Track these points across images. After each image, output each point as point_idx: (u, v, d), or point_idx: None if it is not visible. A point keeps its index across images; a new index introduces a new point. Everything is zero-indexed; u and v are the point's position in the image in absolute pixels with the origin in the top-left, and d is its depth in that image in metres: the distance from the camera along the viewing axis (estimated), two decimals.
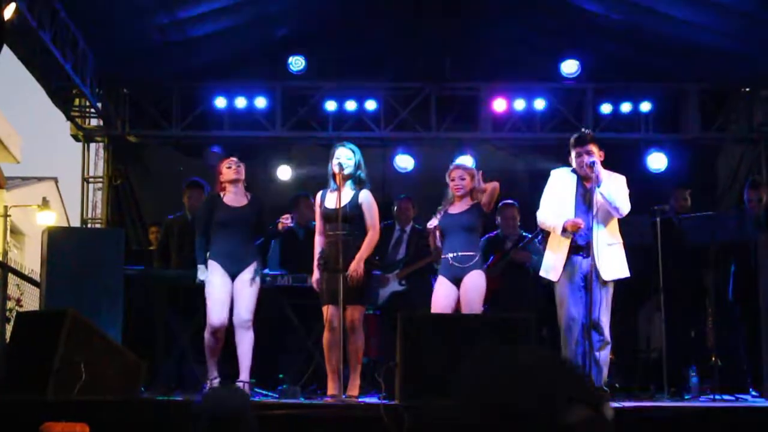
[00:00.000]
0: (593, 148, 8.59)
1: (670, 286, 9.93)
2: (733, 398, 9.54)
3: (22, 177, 29.27)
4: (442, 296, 9.01)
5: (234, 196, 9.38)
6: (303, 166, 13.40)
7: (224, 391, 6.38)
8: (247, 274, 9.20)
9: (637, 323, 11.32)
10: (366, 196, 8.88)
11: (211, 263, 9.20)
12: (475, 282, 8.95)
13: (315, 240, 9.01)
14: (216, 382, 9.02)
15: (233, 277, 9.17)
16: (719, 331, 10.47)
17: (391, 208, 11.47)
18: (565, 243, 8.58)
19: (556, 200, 8.71)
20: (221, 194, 9.39)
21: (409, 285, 11.15)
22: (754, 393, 9.95)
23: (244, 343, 9.13)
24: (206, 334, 9.12)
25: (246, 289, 9.18)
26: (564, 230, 8.54)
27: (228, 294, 9.13)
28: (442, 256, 9.11)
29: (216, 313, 9.09)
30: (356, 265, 8.64)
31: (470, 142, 13.60)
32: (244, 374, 9.09)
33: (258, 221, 9.38)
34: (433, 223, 9.21)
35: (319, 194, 9.01)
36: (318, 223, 9.00)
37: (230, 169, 9.39)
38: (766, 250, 9.58)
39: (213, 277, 9.16)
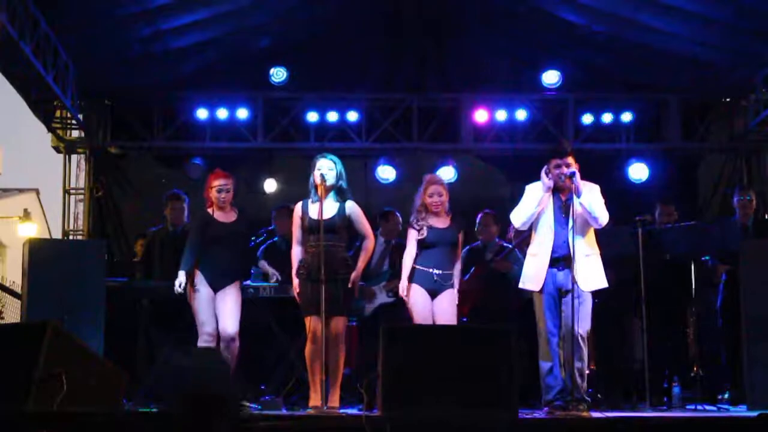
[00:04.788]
0: (572, 160, 8.62)
1: (651, 297, 9.93)
2: (714, 408, 9.57)
3: (3, 188, 29.19)
4: (422, 306, 9.06)
5: (223, 213, 9.46)
6: (286, 179, 13.37)
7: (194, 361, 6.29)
8: (231, 289, 9.26)
9: (618, 333, 11.31)
10: (353, 207, 8.95)
11: (198, 275, 9.27)
12: (452, 300, 9.17)
13: (293, 250, 9.01)
14: None
15: (216, 290, 9.21)
16: (701, 341, 10.49)
17: (377, 219, 11.42)
18: (546, 254, 8.59)
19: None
20: (211, 210, 9.45)
21: (397, 297, 11.11)
22: (736, 402, 9.97)
23: (230, 354, 9.21)
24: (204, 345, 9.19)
25: (229, 303, 9.25)
26: (548, 175, 8.61)
27: (212, 304, 9.23)
28: (423, 269, 9.13)
29: (206, 322, 9.21)
30: (357, 275, 8.87)
31: (452, 153, 13.62)
32: None
33: (246, 236, 9.48)
34: (420, 236, 9.21)
35: (299, 205, 9.00)
36: (297, 234, 9.00)
37: (220, 194, 9.40)
38: (748, 260, 9.58)
39: (199, 289, 9.26)
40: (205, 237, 9.36)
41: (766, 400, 8.83)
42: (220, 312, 9.22)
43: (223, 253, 9.31)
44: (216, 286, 9.25)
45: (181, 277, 9.31)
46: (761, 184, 13.60)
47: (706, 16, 11.61)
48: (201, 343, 9.19)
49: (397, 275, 10.78)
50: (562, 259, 8.56)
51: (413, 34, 12.84)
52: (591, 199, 8.50)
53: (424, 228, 9.19)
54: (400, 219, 11.32)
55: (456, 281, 9.22)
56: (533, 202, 8.64)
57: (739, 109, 13.59)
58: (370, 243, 9.05)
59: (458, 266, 9.30)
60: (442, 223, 9.23)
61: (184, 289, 9.29)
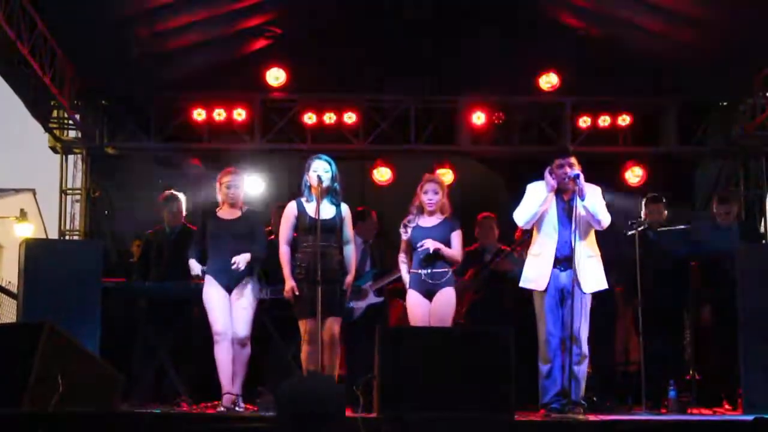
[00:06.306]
0: (574, 161, 8.62)
1: (648, 299, 9.92)
2: (710, 412, 9.57)
3: (0, 188, 29.15)
4: (418, 309, 9.03)
5: (229, 210, 9.44)
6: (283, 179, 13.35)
7: (309, 383, 6.35)
8: (243, 288, 9.23)
9: (615, 336, 11.31)
10: (348, 211, 9.02)
11: (207, 278, 9.26)
12: (448, 299, 9.08)
13: (281, 250, 8.98)
14: (228, 397, 9.03)
15: (229, 290, 9.20)
16: (697, 345, 10.47)
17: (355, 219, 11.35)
18: (549, 254, 8.59)
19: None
20: (217, 208, 9.46)
21: (384, 297, 11.10)
22: (731, 407, 9.96)
23: (241, 357, 9.22)
24: (215, 346, 9.15)
25: (242, 304, 9.21)
26: (551, 175, 8.61)
27: (227, 303, 9.17)
28: (414, 271, 9.12)
29: (220, 320, 9.16)
30: (352, 278, 8.93)
31: (449, 155, 13.61)
32: (236, 388, 9.17)
33: (252, 233, 9.39)
34: (405, 236, 9.19)
35: (293, 204, 8.99)
36: (287, 233, 8.98)
37: (229, 191, 9.40)
38: (743, 263, 9.58)
39: (209, 290, 9.21)
40: (207, 235, 9.37)
41: (762, 404, 8.82)
42: (233, 313, 9.21)
43: (224, 251, 9.24)
44: (226, 286, 9.23)
45: (194, 266, 9.31)
46: (758, 188, 13.62)
47: (704, 20, 11.62)
48: (215, 346, 9.16)
49: (383, 273, 10.80)
50: (565, 260, 8.56)
51: (411, 36, 12.83)
52: (593, 201, 8.50)
53: (409, 228, 9.17)
54: (376, 218, 11.31)
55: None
56: (537, 202, 8.64)
57: (736, 112, 13.58)
58: (354, 247, 9.10)
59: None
60: (430, 222, 9.19)
61: (203, 272, 9.29)
